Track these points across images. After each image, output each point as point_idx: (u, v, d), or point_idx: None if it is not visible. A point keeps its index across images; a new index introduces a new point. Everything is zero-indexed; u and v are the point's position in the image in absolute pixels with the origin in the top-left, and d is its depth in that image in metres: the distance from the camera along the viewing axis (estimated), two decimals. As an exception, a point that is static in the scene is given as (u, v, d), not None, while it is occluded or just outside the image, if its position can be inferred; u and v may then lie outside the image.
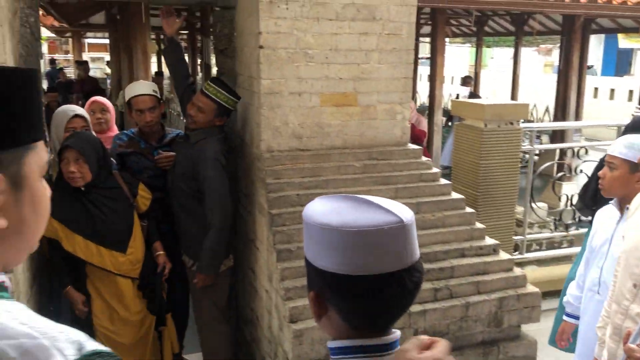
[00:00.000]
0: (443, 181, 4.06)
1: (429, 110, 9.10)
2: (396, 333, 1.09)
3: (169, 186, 3.79)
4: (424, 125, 6.74)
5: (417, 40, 12.23)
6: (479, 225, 3.98)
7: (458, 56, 29.62)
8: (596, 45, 25.80)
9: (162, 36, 12.27)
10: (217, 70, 4.26)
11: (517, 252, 5.38)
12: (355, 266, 0.99)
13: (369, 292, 1.00)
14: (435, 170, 4.08)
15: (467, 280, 3.69)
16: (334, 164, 3.85)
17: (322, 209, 1.04)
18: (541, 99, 15.05)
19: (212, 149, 3.62)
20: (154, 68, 18.14)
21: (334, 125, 3.90)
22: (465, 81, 11.02)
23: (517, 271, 3.84)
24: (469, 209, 4.00)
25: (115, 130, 4.26)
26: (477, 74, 15.18)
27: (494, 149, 4.94)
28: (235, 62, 4.22)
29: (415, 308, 3.52)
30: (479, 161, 4.94)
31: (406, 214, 1.04)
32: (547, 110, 11.41)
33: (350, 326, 1.05)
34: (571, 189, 6.75)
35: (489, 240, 3.94)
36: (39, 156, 0.88)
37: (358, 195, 1.07)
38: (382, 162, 3.96)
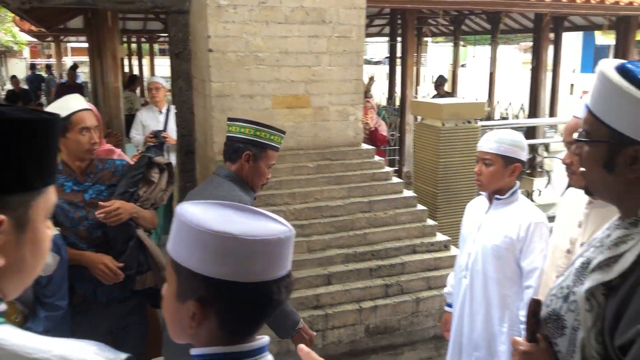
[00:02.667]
0: (395, 180, 4.14)
1: (400, 110, 9.18)
2: (264, 338, 1.10)
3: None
4: (383, 129, 6.82)
5: (394, 41, 12.35)
6: (430, 222, 4.07)
7: (442, 56, 29.85)
8: (575, 42, 26.10)
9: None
10: (173, 74, 4.31)
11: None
12: (250, 273, 1.00)
13: (258, 299, 1.03)
14: (387, 169, 4.16)
15: (418, 276, 3.78)
16: (287, 165, 3.92)
17: (211, 217, 1.03)
18: (519, 96, 15.21)
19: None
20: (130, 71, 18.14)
21: (287, 127, 3.95)
22: (438, 82, 11.10)
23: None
24: (420, 207, 4.09)
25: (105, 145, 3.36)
26: (454, 73, 15.31)
27: (452, 147, 5.03)
28: (190, 66, 4.28)
29: (366, 304, 3.60)
30: (437, 159, 5.02)
31: (289, 225, 1.07)
32: (522, 107, 11.54)
33: (223, 333, 1.04)
34: (542, 184, 6.84)
35: (440, 237, 4.03)
36: (47, 199, 0.92)
37: (233, 203, 1.09)
38: (335, 163, 4.04)
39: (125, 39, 18.63)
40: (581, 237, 2.14)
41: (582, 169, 1.34)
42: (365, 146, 4.19)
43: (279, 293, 1.04)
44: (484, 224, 2.67)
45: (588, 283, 1.22)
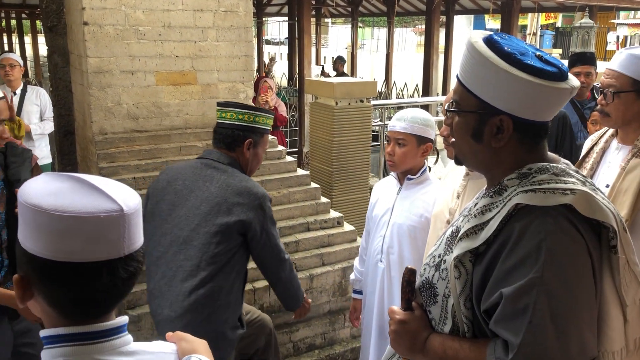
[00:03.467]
0: (289, 159, 4.11)
1: (299, 91, 9.17)
2: (120, 318, 1.06)
3: None
4: (282, 109, 6.78)
5: (293, 20, 12.27)
6: (324, 199, 4.08)
7: (342, 38, 30.18)
8: (466, 26, 27.34)
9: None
10: (48, 49, 3.99)
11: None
12: (64, 252, 0.94)
13: (76, 279, 0.96)
14: (280, 148, 4.12)
15: (311, 253, 3.78)
16: (174, 145, 3.76)
17: (40, 189, 0.97)
18: (414, 77, 15.72)
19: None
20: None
21: (172, 105, 3.80)
22: (336, 62, 11.20)
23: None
24: (314, 185, 4.09)
25: None
26: (353, 55, 15.54)
27: (345, 126, 5.08)
28: (66, 40, 3.97)
29: (260, 284, 3.56)
30: (332, 138, 5.06)
31: (130, 201, 1.00)
32: (416, 88, 11.92)
33: (57, 313, 1.00)
34: (432, 160, 7.11)
35: (333, 214, 4.05)
36: None
37: (85, 177, 1.02)
38: (225, 141, 3.92)
39: (2, 15, 17.17)
40: (459, 208, 2.21)
41: (452, 139, 1.36)
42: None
43: (105, 276, 0.97)
44: (396, 205, 2.60)
45: (456, 251, 1.25)
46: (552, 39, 22.70)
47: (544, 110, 1.22)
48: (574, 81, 1.23)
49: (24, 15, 17.95)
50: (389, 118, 4.53)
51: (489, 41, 1.22)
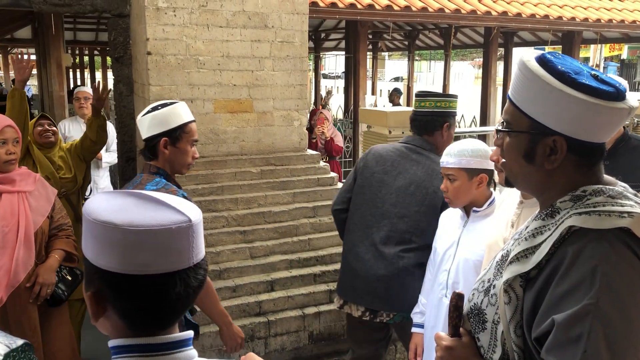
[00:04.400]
0: (340, 185, 4.12)
1: (353, 121, 9.23)
2: (185, 333, 1.06)
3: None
4: (339, 139, 6.84)
5: (350, 54, 12.47)
6: (375, 227, 4.05)
7: (399, 72, 30.35)
8: (526, 59, 26.91)
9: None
10: (114, 79, 4.20)
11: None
12: (139, 265, 0.95)
13: (151, 291, 0.97)
14: (332, 174, 4.14)
15: (362, 282, 3.74)
16: (230, 171, 3.85)
17: (107, 206, 1.00)
18: (471, 109, 15.57)
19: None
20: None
21: (229, 132, 3.90)
22: (392, 94, 11.26)
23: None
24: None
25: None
26: (409, 87, 15.56)
27: (399, 154, 5.05)
28: (131, 70, 4.18)
29: (310, 310, 3.54)
30: (385, 166, 5.03)
31: (194, 213, 1.02)
32: (473, 120, 11.78)
33: (128, 325, 1.01)
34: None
35: (385, 242, 4.01)
36: None
37: (146, 192, 1.05)
38: (279, 168, 3.99)
39: (77, 52, 18.28)
40: None
41: (503, 160, 1.32)
42: (310, 151, 4.17)
43: (179, 286, 0.99)
44: (462, 239, 2.49)
45: (506, 275, 1.20)
46: (616, 70, 22.01)
47: (600, 131, 1.17)
48: (632, 101, 1.17)
49: (95, 52, 19.03)
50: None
51: (541, 60, 1.19)
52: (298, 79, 4.02)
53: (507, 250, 1.28)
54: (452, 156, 2.41)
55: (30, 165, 3.43)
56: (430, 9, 7.65)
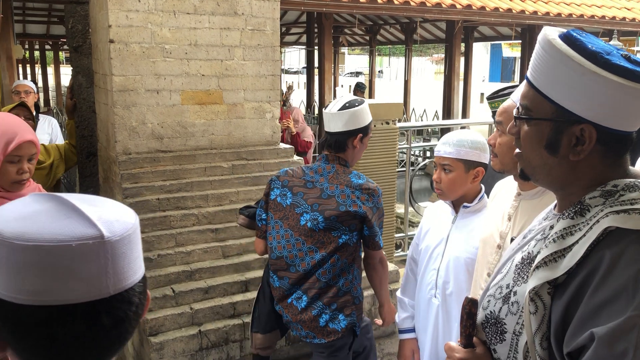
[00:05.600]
0: (315, 180, 3.98)
1: (318, 116, 9.10)
2: None
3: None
4: (307, 134, 6.70)
5: (311, 48, 12.33)
6: (352, 222, 3.93)
7: (359, 66, 30.42)
8: (483, 54, 27.39)
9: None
10: (73, 70, 3.94)
11: (399, 250, 5.43)
12: (28, 293, 0.74)
13: (42, 328, 0.75)
14: (306, 168, 3.99)
15: (340, 279, 3.62)
16: (199, 166, 3.66)
17: (12, 212, 0.79)
18: (432, 104, 15.68)
19: None
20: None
21: (198, 125, 3.71)
22: (355, 89, 11.18)
23: (391, 267, 3.82)
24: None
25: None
26: (371, 82, 15.54)
27: (370, 149, 4.93)
28: (91, 60, 3.93)
29: (286, 311, 3.39)
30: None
31: (117, 226, 0.79)
32: (435, 114, 11.85)
33: None
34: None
35: (362, 238, 3.90)
36: None
37: (71, 196, 0.82)
38: (251, 162, 3.82)
39: (27, 46, 17.51)
40: (511, 231, 2.03)
41: (518, 150, 1.19)
42: (283, 145, 4.01)
43: (87, 323, 0.76)
44: (452, 236, 2.36)
45: (533, 282, 1.06)
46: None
47: (632, 118, 1.05)
48: None
49: (47, 46, 18.29)
50: (416, 141, 4.39)
51: (567, 38, 1.06)
52: (270, 69, 3.85)
53: (529, 252, 1.15)
54: (450, 145, 2.28)
55: None
56: (396, 2, 7.59)
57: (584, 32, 1.13)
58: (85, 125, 3.99)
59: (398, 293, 2.69)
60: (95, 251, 0.75)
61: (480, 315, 1.22)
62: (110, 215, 0.80)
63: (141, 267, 0.84)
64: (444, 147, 2.31)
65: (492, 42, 20.97)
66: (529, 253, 1.15)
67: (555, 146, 1.09)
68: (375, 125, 4.96)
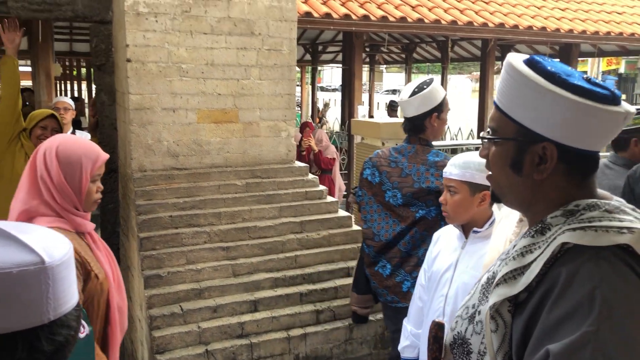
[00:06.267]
0: (330, 199, 3.95)
1: (348, 133, 9.09)
2: None
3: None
4: (330, 152, 6.70)
5: (346, 67, 12.36)
6: (366, 243, 3.87)
7: (397, 84, 30.36)
8: (524, 73, 26.87)
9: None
10: (96, 88, 4.05)
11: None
12: None
13: None
14: (321, 187, 3.97)
15: (351, 301, 3.56)
16: (213, 183, 3.68)
17: None
18: (469, 122, 15.47)
19: None
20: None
21: (213, 143, 3.74)
22: (390, 107, 11.12)
23: (405, 290, 3.74)
24: (356, 227, 3.89)
25: None
26: (406, 99, 15.43)
27: (392, 167, 4.89)
28: (113, 79, 4.03)
29: (295, 332, 3.35)
30: (378, 180, 4.87)
31: (55, 251, 0.81)
32: (470, 132, 11.63)
33: None
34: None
35: (376, 259, 3.83)
36: None
37: (4, 224, 0.83)
38: (265, 181, 3.82)
39: (74, 64, 18.16)
40: None
41: (489, 172, 1.21)
42: (298, 163, 4.00)
43: (20, 351, 0.75)
44: (460, 261, 2.27)
45: (492, 299, 1.07)
46: (614, 84, 21.97)
47: (593, 137, 1.06)
48: (628, 106, 1.07)
49: (83, 63, 18.86)
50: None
51: (530, 62, 1.09)
52: (286, 88, 3.86)
53: (494, 272, 1.15)
54: (456, 167, 2.20)
55: (15, 157, 3.23)
56: (426, 20, 7.53)
57: (550, 58, 1.16)
58: (107, 142, 4.07)
59: (405, 320, 2.61)
60: (37, 277, 0.76)
61: (449, 337, 1.22)
62: (46, 242, 0.81)
63: (76, 291, 0.85)
64: (450, 169, 2.24)
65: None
66: (493, 273, 1.15)
67: (519, 165, 1.11)
68: (397, 144, 4.90)
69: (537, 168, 1.09)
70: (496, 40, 9.88)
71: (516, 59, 1.11)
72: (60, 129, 3.61)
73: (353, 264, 3.72)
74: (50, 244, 0.81)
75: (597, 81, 1.08)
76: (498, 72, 13.47)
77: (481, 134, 1.21)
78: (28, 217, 1.86)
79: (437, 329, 1.22)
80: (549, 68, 1.06)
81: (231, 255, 3.48)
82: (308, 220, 3.74)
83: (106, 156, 2.04)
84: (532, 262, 1.04)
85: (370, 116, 15.34)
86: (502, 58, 12.90)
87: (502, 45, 12.26)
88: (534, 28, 8.32)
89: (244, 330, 3.26)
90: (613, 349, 0.91)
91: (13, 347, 0.75)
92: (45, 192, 1.85)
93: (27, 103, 8.69)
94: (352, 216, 3.96)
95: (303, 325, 3.40)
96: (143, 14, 3.41)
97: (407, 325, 2.53)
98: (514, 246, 1.14)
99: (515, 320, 1.04)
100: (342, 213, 3.91)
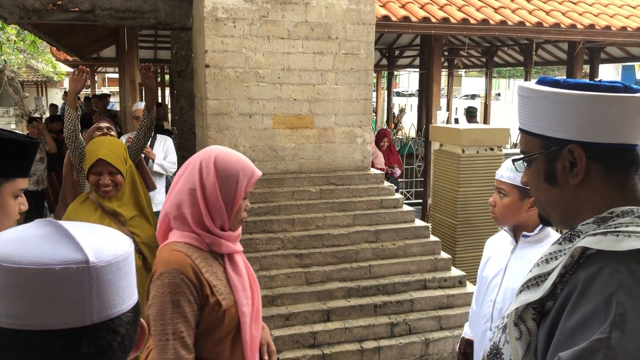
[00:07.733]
0: (407, 208, 3.81)
1: (425, 139, 8.88)
2: None
3: None
4: (380, 161, 6.56)
5: (424, 71, 12.13)
6: (444, 255, 3.71)
7: (477, 89, 29.57)
8: (614, 76, 25.42)
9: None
10: (176, 93, 4.13)
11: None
12: (9, 316, 0.73)
13: (22, 354, 0.73)
14: (397, 196, 3.84)
15: (428, 315, 3.41)
16: (287, 190, 3.65)
17: (7, 236, 0.79)
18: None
19: None
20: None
21: (288, 149, 3.71)
22: (467, 113, 10.78)
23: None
24: (433, 238, 3.74)
25: None
26: (486, 105, 14.95)
27: (472, 176, 4.68)
28: (192, 84, 4.09)
29: (369, 345, 3.25)
30: (457, 188, 4.68)
31: (106, 251, 0.77)
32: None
33: None
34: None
35: (455, 272, 3.66)
36: (15, 185, 1.39)
37: (69, 224, 0.81)
38: (340, 188, 3.74)
39: (159, 71, 18.95)
40: None
41: (533, 196, 1.20)
42: (374, 171, 3.89)
43: (67, 351, 0.73)
44: (510, 266, 2.24)
45: (514, 305, 1.07)
46: None
47: (618, 127, 1.03)
48: None
49: (166, 70, 19.63)
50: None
51: (540, 81, 1.14)
52: (362, 93, 3.77)
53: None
54: (509, 170, 2.14)
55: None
56: (509, 22, 7.22)
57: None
58: (185, 146, 4.15)
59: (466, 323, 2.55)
60: (79, 276, 0.73)
61: (487, 347, 1.20)
62: (101, 242, 0.78)
63: (132, 297, 0.80)
64: (502, 171, 2.20)
65: (623, 64, 19.43)
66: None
67: (553, 175, 1.10)
68: (478, 152, 4.70)
69: (570, 174, 1.07)
70: (585, 43, 9.33)
71: (526, 83, 1.15)
72: (114, 167, 3.15)
73: (429, 276, 3.57)
74: (104, 245, 0.78)
75: (607, 81, 1.08)
76: (585, 76, 12.77)
77: (511, 159, 1.22)
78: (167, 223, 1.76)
79: (465, 345, 1.18)
80: (554, 78, 1.10)
81: (304, 262, 3.43)
82: (383, 229, 3.63)
83: (260, 173, 1.86)
84: (554, 268, 1.03)
85: (456, 121, 14.98)
86: (590, 62, 12.20)
87: (590, 47, 11.59)
88: (629, 29, 7.77)
89: (316, 340, 3.19)
90: (624, 357, 0.87)
91: (50, 345, 0.72)
92: (189, 204, 1.69)
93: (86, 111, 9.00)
94: (429, 226, 3.80)
95: (377, 338, 3.29)
96: (222, 20, 3.43)
97: (466, 329, 2.44)
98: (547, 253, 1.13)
99: (540, 329, 1.03)
100: (419, 223, 3.76)
